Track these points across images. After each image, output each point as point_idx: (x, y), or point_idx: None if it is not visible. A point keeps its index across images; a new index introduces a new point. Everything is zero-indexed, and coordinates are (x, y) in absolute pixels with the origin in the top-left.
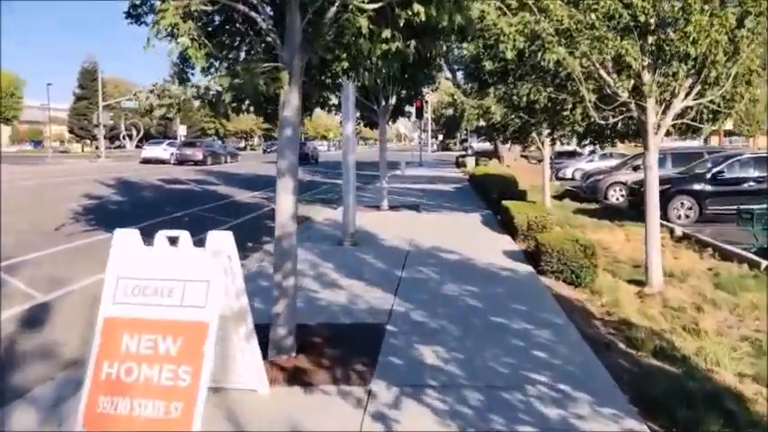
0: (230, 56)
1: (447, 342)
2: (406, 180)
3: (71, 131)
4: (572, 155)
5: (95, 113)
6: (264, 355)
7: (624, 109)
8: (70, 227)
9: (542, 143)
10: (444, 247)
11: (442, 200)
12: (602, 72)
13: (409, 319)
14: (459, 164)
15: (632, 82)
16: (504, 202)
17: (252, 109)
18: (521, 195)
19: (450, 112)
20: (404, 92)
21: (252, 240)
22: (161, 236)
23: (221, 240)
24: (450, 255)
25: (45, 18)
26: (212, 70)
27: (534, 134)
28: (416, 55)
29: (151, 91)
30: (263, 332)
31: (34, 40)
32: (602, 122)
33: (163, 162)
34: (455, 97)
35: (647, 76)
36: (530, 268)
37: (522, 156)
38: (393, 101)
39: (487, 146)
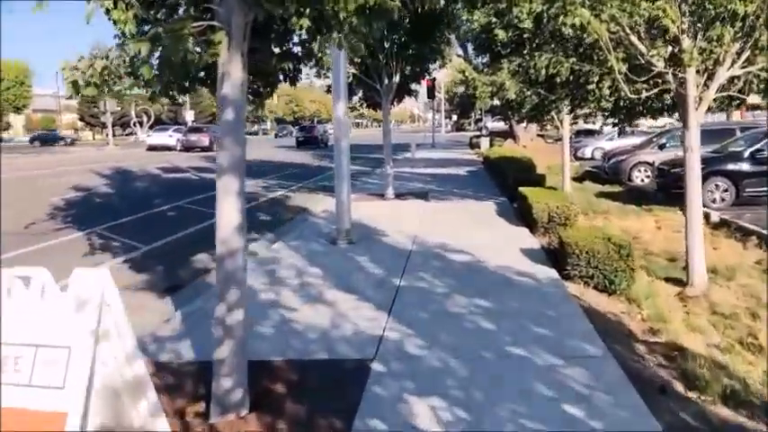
0: (163, 17)
1: (449, 392)
2: (416, 163)
3: (81, 119)
4: (590, 133)
5: (103, 101)
6: (206, 416)
7: (659, 81)
8: (43, 224)
9: (561, 121)
10: (453, 245)
11: (454, 185)
12: (633, 38)
13: (403, 351)
14: (472, 145)
15: (669, 49)
16: (520, 189)
17: (179, 87)
18: (539, 180)
19: (462, 90)
20: (408, 69)
21: None
22: (9, 276)
23: (92, 283)
24: (459, 255)
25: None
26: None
27: (553, 112)
28: (416, 20)
29: (76, 67)
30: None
31: (43, 28)
32: (634, 97)
33: (169, 149)
34: (466, 74)
35: (686, 42)
36: (553, 273)
37: (538, 135)
38: (397, 79)
39: (503, 125)
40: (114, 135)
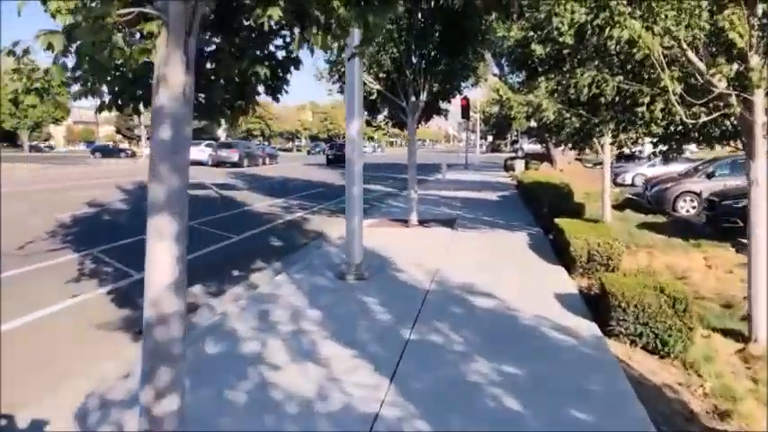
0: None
1: None
2: (446, 186)
3: (118, 131)
4: (630, 158)
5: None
6: None
7: (721, 104)
8: (40, 244)
9: (602, 146)
10: (477, 285)
11: (484, 212)
12: (690, 54)
13: None
14: (507, 167)
15: (734, 67)
16: (557, 221)
17: (131, 96)
18: (577, 209)
19: (496, 110)
20: (437, 86)
21: (240, 268)
22: None
23: None
24: (484, 299)
25: None
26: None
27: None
28: (445, 33)
29: (15, 70)
30: None
31: None
32: (690, 122)
33: (201, 164)
34: (500, 93)
35: (755, 60)
36: (594, 328)
37: (576, 159)
38: (424, 97)
39: (539, 147)
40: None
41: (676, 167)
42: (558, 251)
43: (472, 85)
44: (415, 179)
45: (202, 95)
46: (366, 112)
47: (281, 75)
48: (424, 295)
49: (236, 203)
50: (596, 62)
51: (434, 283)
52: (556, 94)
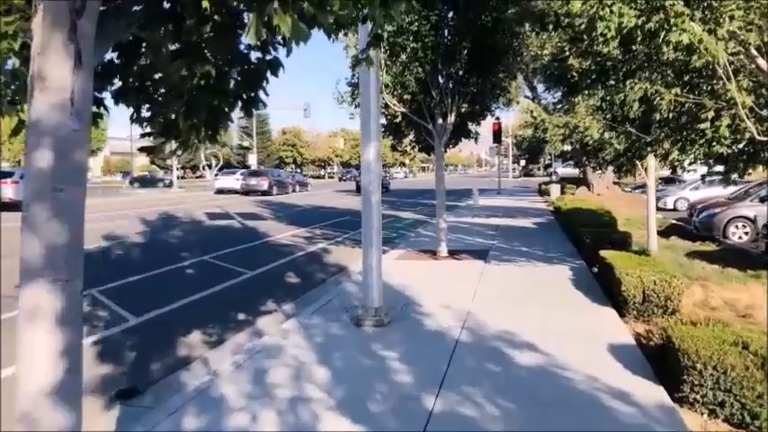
0: None
1: None
2: (478, 212)
3: (152, 162)
4: (670, 181)
5: (169, 144)
6: None
7: None
8: None
9: (645, 168)
10: (515, 334)
11: (520, 241)
12: (761, 61)
13: None
14: (541, 192)
15: None
16: (602, 254)
17: None
18: (622, 239)
19: (530, 133)
20: (466, 107)
21: (248, 310)
22: None
23: None
24: (524, 354)
25: None
26: None
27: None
28: (474, 50)
29: None
30: None
31: None
32: (764, 139)
33: (236, 192)
34: (534, 114)
35: None
36: (660, 393)
37: (614, 183)
38: (452, 119)
39: (573, 171)
40: (185, 177)
41: (722, 191)
42: (605, 288)
43: (504, 106)
44: (444, 206)
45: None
46: (392, 136)
47: (254, 82)
48: (452, 347)
49: (257, 234)
50: (646, 73)
51: (465, 330)
52: (599, 112)
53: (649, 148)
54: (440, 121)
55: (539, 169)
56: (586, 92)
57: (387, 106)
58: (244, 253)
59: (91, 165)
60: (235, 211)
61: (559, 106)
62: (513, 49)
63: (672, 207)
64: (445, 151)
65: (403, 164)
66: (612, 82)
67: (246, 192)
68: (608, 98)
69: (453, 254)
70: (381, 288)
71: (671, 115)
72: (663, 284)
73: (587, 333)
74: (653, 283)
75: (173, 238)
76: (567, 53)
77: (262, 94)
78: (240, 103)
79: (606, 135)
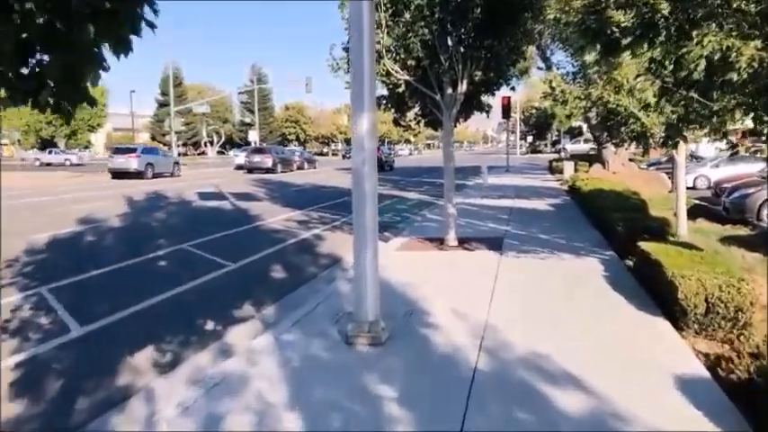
0: None
1: None
2: (488, 192)
3: (153, 139)
4: (689, 158)
5: (167, 119)
6: None
7: None
8: None
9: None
10: (550, 362)
11: (536, 226)
12: None
13: None
14: (553, 170)
15: None
16: (643, 247)
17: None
18: (660, 228)
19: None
20: (479, 74)
21: (219, 316)
22: None
23: None
24: (567, 395)
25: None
26: None
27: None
28: (488, 7)
29: None
30: None
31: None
32: None
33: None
34: (553, 85)
35: None
36: None
37: (630, 160)
38: (464, 87)
39: (583, 148)
40: (186, 154)
41: (746, 168)
42: (648, 288)
43: (520, 75)
44: (453, 188)
45: None
46: (394, 109)
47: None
48: (469, 381)
49: (248, 217)
50: (713, 25)
51: (483, 352)
52: (654, 70)
53: (716, 118)
54: (449, 90)
55: (545, 146)
56: (629, 51)
57: (388, 74)
58: (229, 240)
59: (93, 141)
60: (229, 191)
61: (591, 71)
62: (533, 4)
63: (692, 185)
64: (455, 126)
65: (408, 141)
66: (663, 38)
67: (251, 169)
68: (660, 57)
69: (463, 243)
70: (378, 297)
71: (755, 71)
72: (731, 291)
73: (643, 358)
74: (718, 288)
75: (155, 221)
76: (604, 4)
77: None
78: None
79: (675, 96)
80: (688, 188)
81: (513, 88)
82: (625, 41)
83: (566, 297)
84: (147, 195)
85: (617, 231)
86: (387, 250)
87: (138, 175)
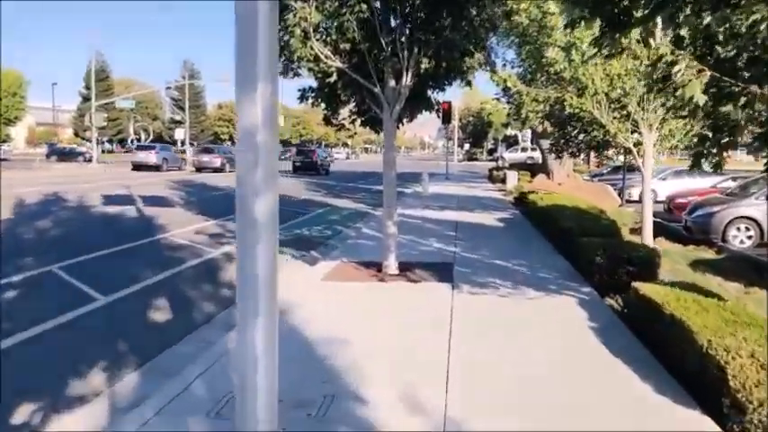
0: None
1: None
2: (429, 202)
3: (76, 134)
4: (632, 170)
5: (88, 114)
6: None
7: None
8: None
9: (642, 155)
10: None
11: (490, 248)
12: None
13: None
14: (493, 179)
15: None
16: (643, 291)
17: None
18: (648, 260)
19: (488, 107)
20: (425, 63)
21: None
22: None
23: None
24: None
25: (54, 16)
26: None
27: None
28: None
29: None
30: None
31: (48, 39)
32: None
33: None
34: (508, 84)
35: None
36: None
37: (574, 170)
38: (408, 80)
39: (520, 156)
40: (113, 151)
41: (699, 182)
42: (653, 344)
43: (479, 67)
44: (394, 201)
45: None
46: (324, 104)
47: None
48: None
49: (151, 228)
50: None
51: None
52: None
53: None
54: (391, 83)
55: (481, 154)
56: (641, 27)
57: (317, 59)
58: (115, 260)
59: (13, 135)
60: (141, 194)
61: (536, 84)
62: None
63: (637, 199)
64: (398, 127)
65: (345, 144)
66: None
67: (199, 168)
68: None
69: (406, 269)
70: (275, 406)
71: None
72: None
73: None
74: None
75: (34, 231)
76: None
77: None
78: None
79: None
80: (632, 201)
81: (468, 83)
82: (640, 13)
83: (550, 372)
84: (45, 197)
85: (592, 261)
86: (311, 278)
87: (156, 168)
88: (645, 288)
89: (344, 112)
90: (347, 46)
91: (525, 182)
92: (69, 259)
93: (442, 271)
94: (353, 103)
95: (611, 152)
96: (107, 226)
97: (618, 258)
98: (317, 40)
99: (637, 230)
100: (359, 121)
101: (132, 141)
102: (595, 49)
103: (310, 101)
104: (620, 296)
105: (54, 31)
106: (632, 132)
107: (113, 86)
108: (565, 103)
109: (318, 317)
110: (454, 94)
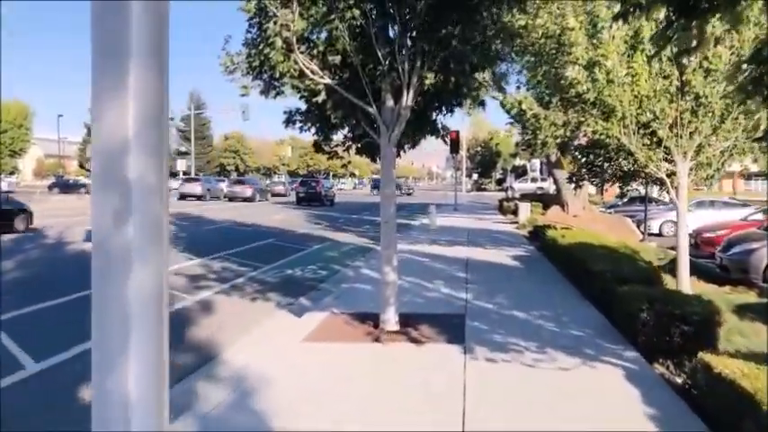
0: None
1: None
2: (436, 236)
3: (81, 166)
4: (643, 200)
5: (88, 146)
6: None
7: None
8: None
9: (676, 187)
10: None
11: (506, 294)
12: None
13: None
14: (504, 209)
15: None
16: (725, 374)
17: None
18: (706, 317)
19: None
20: (429, 78)
21: None
22: None
23: None
24: None
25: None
26: None
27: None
28: None
29: None
30: None
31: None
32: None
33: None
34: (523, 107)
35: None
36: None
37: (590, 201)
38: (410, 100)
39: (530, 186)
40: None
41: (720, 214)
42: None
43: (490, 86)
44: (394, 243)
45: None
46: (314, 129)
47: None
48: None
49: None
50: None
51: None
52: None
53: None
54: (389, 102)
55: (489, 184)
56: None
57: (301, 75)
58: (70, 310)
59: (20, 167)
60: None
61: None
62: None
63: (657, 231)
64: (398, 155)
65: (353, 174)
66: None
67: (231, 198)
68: None
69: (408, 324)
70: None
71: None
72: None
73: None
74: None
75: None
76: None
77: None
78: None
79: None
80: (654, 234)
81: (482, 103)
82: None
83: None
84: (24, 234)
85: (634, 315)
86: (290, 339)
87: (199, 197)
88: (720, 365)
89: (338, 137)
90: (337, 59)
91: (538, 214)
92: (13, 310)
93: (452, 326)
94: (347, 128)
95: (635, 184)
96: (74, 267)
97: (668, 315)
98: (302, 52)
99: (663, 268)
100: (353, 148)
101: None
102: (657, 47)
103: (297, 124)
104: (673, 362)
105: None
106: (664, 161)
107: None
108: (588, 128)
109: (292, 406)
110: (461, 123)
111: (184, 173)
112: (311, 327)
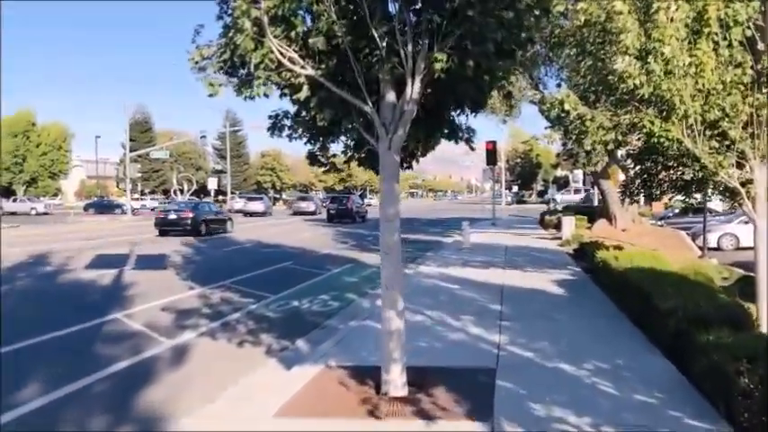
0: None
1: None
2: (469, 255)
3: (117, 185)
4: (696, 211)
5: (123, 166)
6: None
7: None
8: None
9: (746, 190)
10: None
11: (550, 335)
12: None
13: None
14: (545, 224)
15: None
16: None
17: None
18: None
19: (556, 138)
20: (442, 60)
21: None
22: None
23: None
24: None
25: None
26: None
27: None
28: None
29: None
30: None
31: (97, 91)
32: None
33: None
34: (566, 107)
35: None
36: None
37: (640, 214)
38: (416, 87)
39: (573, 198)
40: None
41: None
42: None
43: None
44: (400, 282)
45: None
46: (305, 135)
47: None
48: None
49: (113, 301)
50: None
51: None
52: None
53: None
54: (389, 96)
55: (530, 195)
56: None
57: (279, 66)
58: (50, 348)
59: (63, 188)
60: (142, 253)
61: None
62: None
63: (715, 245)
64: (409, 166)
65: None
66: None
67: (296, 213)
68: None
69: (419, 384)
70: None
71: None
72: None
73: None
74: None
75: None
76: None
77: None
78: None
79: None
80: (712, 249)
81: (508, 95)
82: None
83: None
84: (20, 261)
85: (726, 377)
86: (264, 407)
87: (262, 214)
88: None
89: (336, 147)
90: (321, 42)
91: (583, 228)
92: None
93: (477, 389)
94: (339, 133)
95: (699, 195)
96: (58, 299)
97: None
98: (277, 36)
99: (731, 290)
100: (355, 158)
101: (175, 192)
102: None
103: (286, 132)
104: None
105: (102, 85)
106: (737, 166)
107: (156, 138)
108: (643, 130)
109: None
110: (499, 134)
111: (215, 191)
112: (296, 388)
